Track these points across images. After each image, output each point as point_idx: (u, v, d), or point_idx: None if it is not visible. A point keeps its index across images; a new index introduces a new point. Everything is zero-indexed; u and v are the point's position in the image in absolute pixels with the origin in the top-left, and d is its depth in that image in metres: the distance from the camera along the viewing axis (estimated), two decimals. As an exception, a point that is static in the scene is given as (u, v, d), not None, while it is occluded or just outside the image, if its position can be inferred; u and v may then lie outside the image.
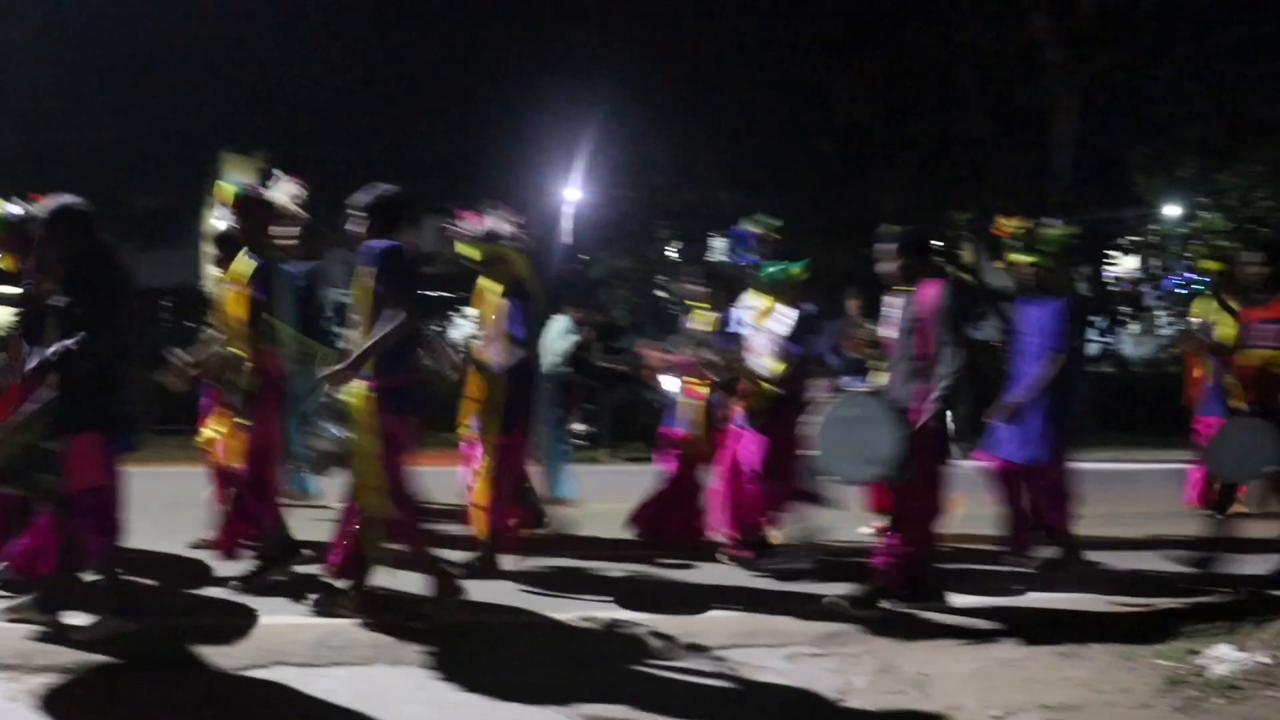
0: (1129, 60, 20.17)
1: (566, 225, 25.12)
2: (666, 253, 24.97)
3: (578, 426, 10.50)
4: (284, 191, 7.19)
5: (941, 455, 6.36)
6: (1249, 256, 7.54)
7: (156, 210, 23.21)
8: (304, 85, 23.03)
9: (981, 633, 6.20)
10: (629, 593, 6.99)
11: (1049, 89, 20.27)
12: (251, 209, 6.90)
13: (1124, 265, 28.23)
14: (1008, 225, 7.58)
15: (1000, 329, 27.02)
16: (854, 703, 5.10)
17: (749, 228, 7.88)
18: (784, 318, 7.52)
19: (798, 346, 7.46)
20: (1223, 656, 5.24)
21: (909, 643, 5.85)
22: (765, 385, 7.46)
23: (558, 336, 9.19)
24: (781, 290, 7.59)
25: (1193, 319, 9.28)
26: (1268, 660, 5.10)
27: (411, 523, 5.96)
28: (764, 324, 7.59)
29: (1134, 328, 27.99)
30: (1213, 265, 8.86)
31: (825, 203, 19.46)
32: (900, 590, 6.40)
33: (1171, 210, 28.18)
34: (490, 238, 7.31)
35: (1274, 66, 21.85)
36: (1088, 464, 8.25)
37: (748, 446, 7.55)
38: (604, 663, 5.56)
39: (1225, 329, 8.41)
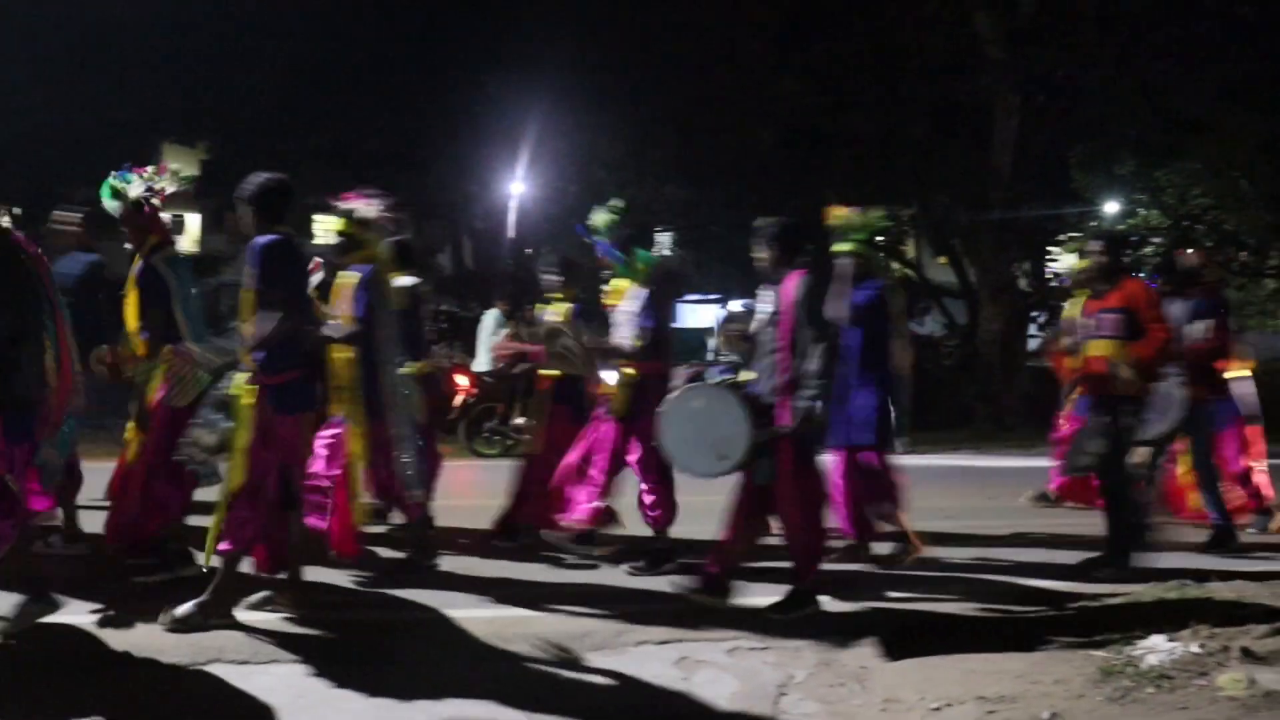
0: (1068, 59, 20.38)
1: (511, 219, 25.10)
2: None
3: (517, 420, 10.48)
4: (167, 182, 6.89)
5: (810, 451, 6.24)
6: (1092, 246, 7.70)
7: (98, 201, 22.90)
8: (248, 76, 22.83)
9: (919, 627, 6.27)
10: (551, 590, 6.91)
11: (990, 87, 20.44)
12: (129, 215, 6.77)
13: (1064, 261, 28.58)
14: (836, 214, 7.54)
15: (943, 324, 27.32)
16: (794, 695, 5.13)
17: (605, 216, 7.64)
18: (636, 296, 7.36)
19: (650, 320, 7.28)
20: (1155, 647, 5.31)
21: (849, 637, 5.87)
22: (625, 370, 7.32)
23: (489, 331, 9.16)
24: (634, 274, 7.47)
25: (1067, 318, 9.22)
26: (1198, 650, 5.18)
27: (250, 523, 5.76)
28: (620, 304, 7.47)
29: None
30: (1080, 264, 8.76)
31: (769, 197, 19.54)
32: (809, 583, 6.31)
33: (1111, 207, 28.56)
34: (354, 219, 7.17)
35: (1209, 66, 22.17)
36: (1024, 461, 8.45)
37: (606, 436, 7.40)
38: (543, 657, 5.55)
39: None
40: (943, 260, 28.21)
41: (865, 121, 20.31)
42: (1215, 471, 8.70)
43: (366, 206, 7.18)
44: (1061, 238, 25.85)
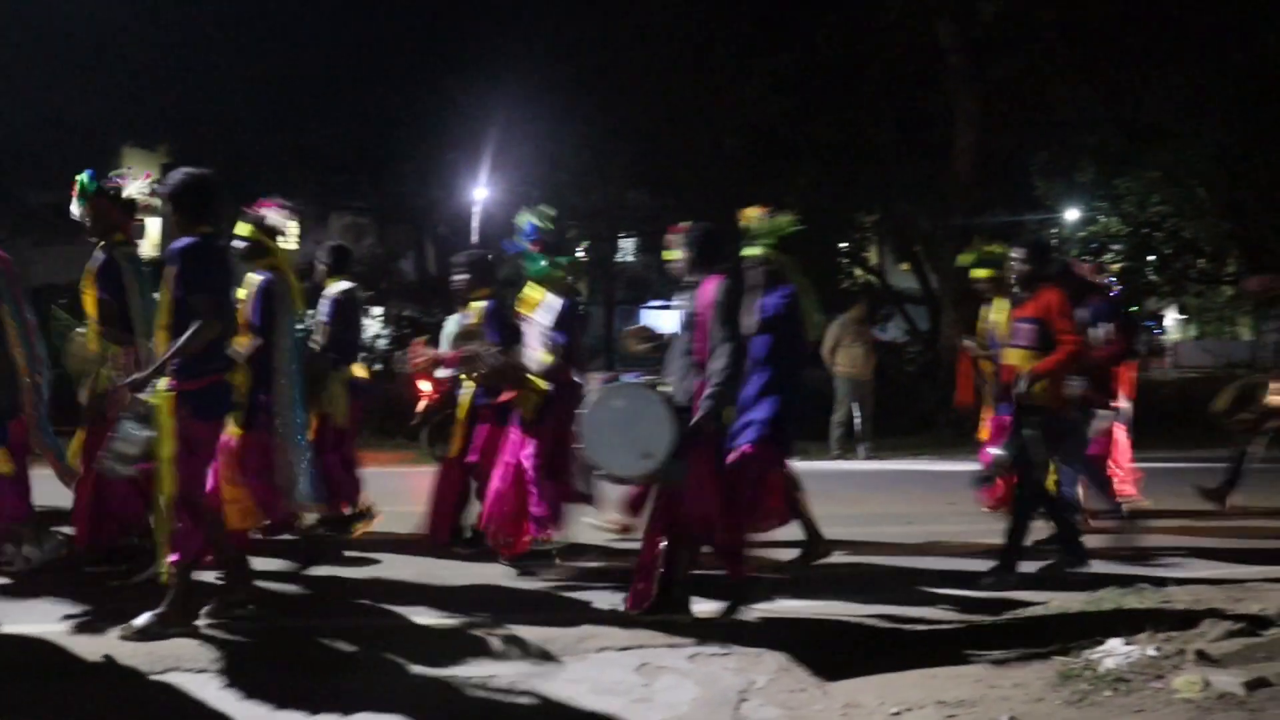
0: (1028, 67, 20.54)
1: (475, 224, 25.04)
2: (576, 253, 24.97)
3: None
4: (138, 188, 6.85)
5: (718, 456, 6.19)
6: (1015, 254, 7.60)
7: (54, 205, 22.71)
8: (210, 79, 22.69)
9: (881, 631, 6.30)
10: (512, 596, 6.93)
11: (952, 94, 20.57)
12: (98, 202, 6.64)
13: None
14: (747, 217, 7.47)
15: (905, 330, 27.46)
16: (755, 701, 5.14)
17: (529, 219, 7.56)
18: (550, 308, 7.28)
19: (563, 335, 7.19)
20: (1112, 651, 5.36)
21: (811, 642, 5.88)
22: (535, 380, 7.22)
23: (449, 336, 9.10)
24: (551, 283, 7.40)
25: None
26: (1154, 653, 5.23)
27: (194, 532, 5.73)
28: (533, 315, 7.36)
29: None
30: (983, 273, 8.64)
31: (732, 203, 19.48)
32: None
33: (1071, 214, 28.80)
34: (263, 226, 7.10)
35: (1168, 76, 22.41)
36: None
37: (520, 447, 7.33)
38: (504, 664, 5.54)
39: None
40: (905, 266, 28.38)
41: (828, 129, 20.39)
42: (1100, 465, 8.61)
43: (276, 214, 7.13)
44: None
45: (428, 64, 23.18)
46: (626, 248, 27.49)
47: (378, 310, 21.54)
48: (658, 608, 6.16)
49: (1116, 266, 28.91)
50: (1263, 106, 24.09)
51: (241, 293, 6.94)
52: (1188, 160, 25.78)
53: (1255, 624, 5.58)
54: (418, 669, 5.46)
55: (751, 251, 7.42)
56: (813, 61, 20.17)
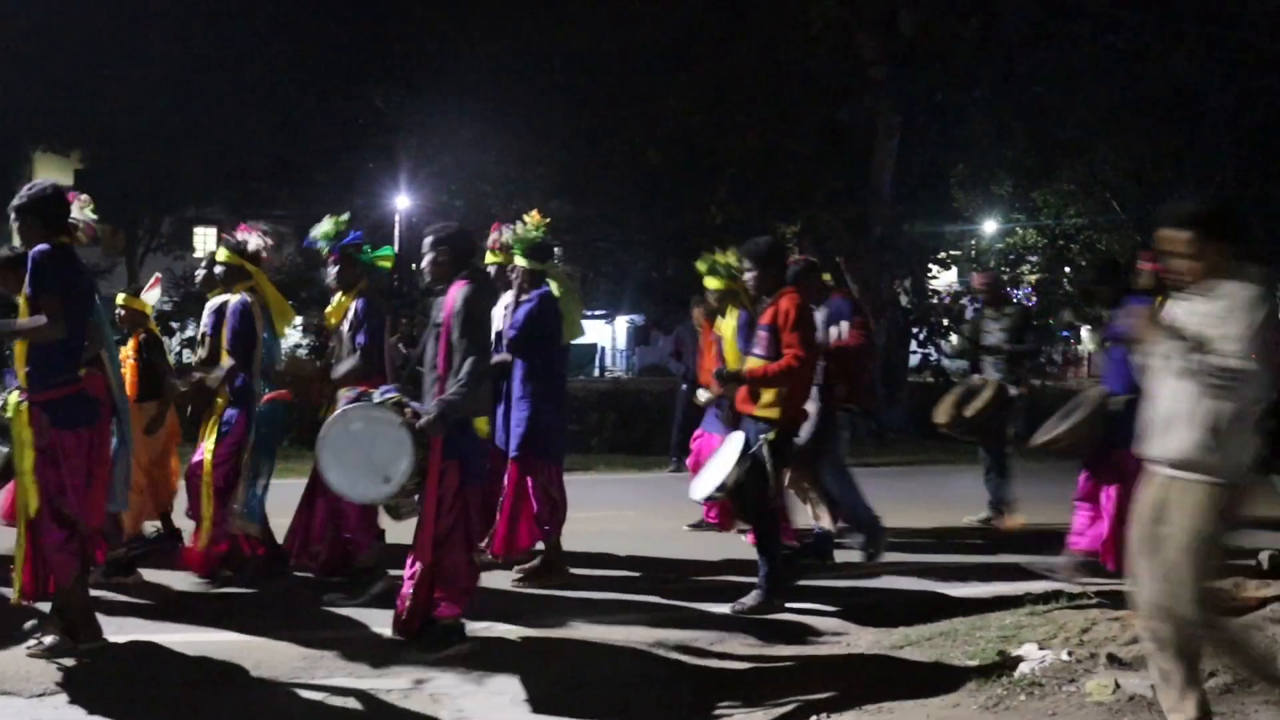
0: (947, 81, 20.81)
1: (397, 234, 24.88)
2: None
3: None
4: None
5: (468, 475, 5.86)
6: (745, 261, 7.28)
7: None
8: (125, 85, 22.31)
9: (802, 634, 6.35)
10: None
11: (872, 107, 20.78)
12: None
13: (944, 279, 29.14)
14: (531, 222, 7.51)
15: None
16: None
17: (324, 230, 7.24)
18: (351, 313, 7.09)
19: (363, 336, 6.93)
20: (1027, 655, 5.44)
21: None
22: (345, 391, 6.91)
23: None
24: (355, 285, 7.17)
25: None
26: (1067, 657, 5.32)
27: (64, 544, 5.59)
28: (342, 326, 7.14)
29: (953, 339, 28.95)
30: (714, 284, 8.40)
31: (655, 213, 19.63)
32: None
33: (990, 226, 29.23)
34: (240, 250, 7.30)
35: (1082, 91, 22.84)
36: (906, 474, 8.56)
37: None
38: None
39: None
40: (826, 277, 28.54)
41: (749, 140, 20.48)
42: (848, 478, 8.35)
43: (257, 238, 7.28)
44: (941, 255, 26.39)
45: (349, 71, 22.97)
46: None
47: (297, 319, 21.29)
48: (432, 642, 5.84)
49: (1033, 277, 29.53)
50: (1172, 123, 24.67)
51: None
52: (1101, 174, 26.37)
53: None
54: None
55: (490, 260, 7.50)
56: (734, 73, 20.26)
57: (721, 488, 6.86)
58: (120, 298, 8.18)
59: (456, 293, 5.86)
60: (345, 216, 7.26)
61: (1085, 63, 22.64)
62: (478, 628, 6.18)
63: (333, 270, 7.15)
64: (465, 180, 23.91)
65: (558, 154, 22.18)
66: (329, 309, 7.24)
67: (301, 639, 6.10)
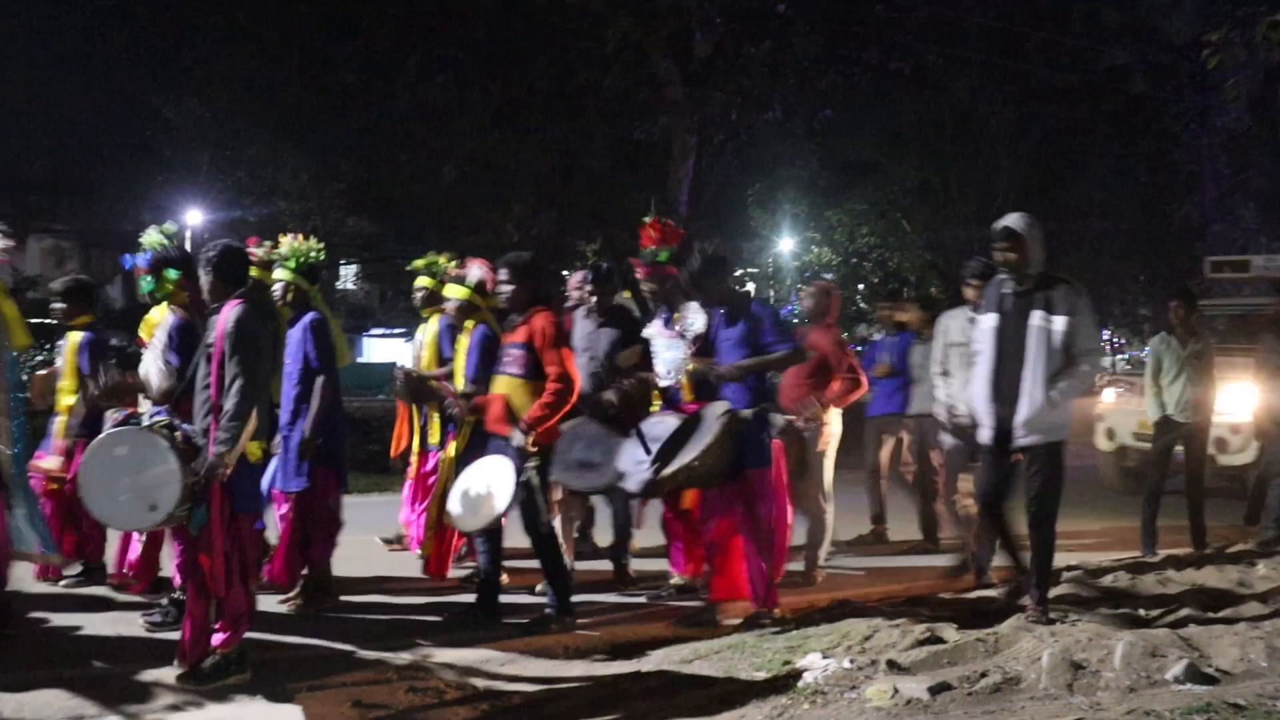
0: (740, 102, 21.24)
1: (188, 250, 24.12)
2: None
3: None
4: None
5: (240, 502, 5.61)
6: (500, 274, 6.98)
7: None
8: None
9: (593, 651, 6.35)
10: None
11: (668, 126, 21.06)
12: None
13: (419, 282, 29.61)
14: (283, 242, 7.41)
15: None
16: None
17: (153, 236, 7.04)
18: (163, 328, 6.77)
19: (175, 357, 6.56)
20: (811, 665, 5.53)
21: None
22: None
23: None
24: (167, 298, 6.88)
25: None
26: (849, 665, 5.42)
27: None
28: (152, 341, 6.86)
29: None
30: (426, 281, 8.38)
31: (452, 230, 19.49)
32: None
33: (786, 244, 29.94)
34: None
35: (871, 114, 23.64)
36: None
37: None
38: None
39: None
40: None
41: (546, 157, 20.53)
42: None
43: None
44: (739, 273, 26.90)
45: (136, 81, 22.20)
46: (347, 274, 27.01)
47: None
48: (206, 674, 5.60)
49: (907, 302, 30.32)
50: (957, 144, 25.74)
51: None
52: (891, 195, 27.33)
53: (939, 633, 5.87)
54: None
55: (276, 275, 7.28)
56: (531, 91, 20.30)
57: (499, 519, 6.71)
58: None
59: (229, 313, 5.65)
60: (170, 226, 7.00)
61: (874, 87, 23.44)
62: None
63: (146, 283, 6.82)
64: (260, 195, 23.33)
65: (354, 170, 21.84)
66: (143, 323, 6.99)
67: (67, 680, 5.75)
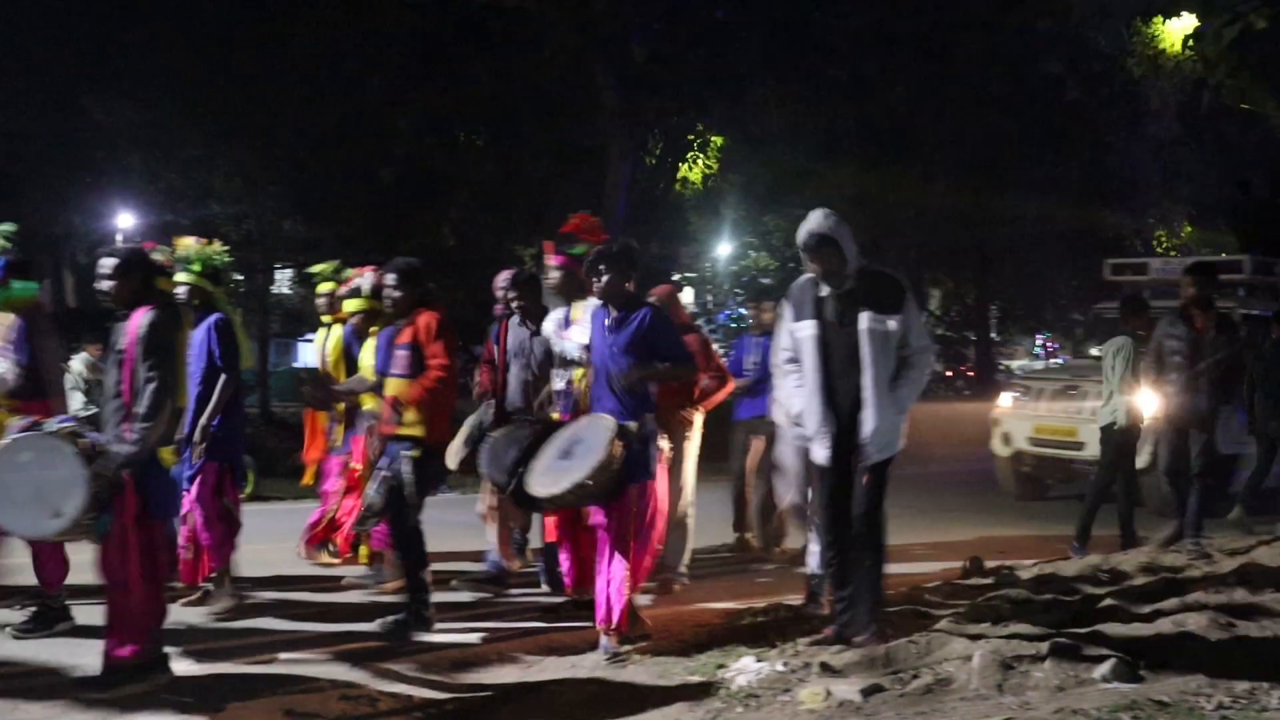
0: (677, 107, 21.30)
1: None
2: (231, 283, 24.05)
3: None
4: None
5: (152, 508, 5.55)
6: (388, 279, 6.98)
7: None
8: None
9: (522, 660, 6.33)
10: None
11: (605, 130, 21.08)
12: None
13: (683, 299, 29.82)
14: (180, 244, 7.41)
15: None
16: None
17: None
18: (12, 329, 6.72)
19: (24, 355, 6.61)
20: (744, 668, 5.54)
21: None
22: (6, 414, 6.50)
23: (77, 376, 8.50)
24: (13, 305, 6.84)
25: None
26: (782, 668, 5.44)
27: None
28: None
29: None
30: (326, 286, 8.45)
31: (389, 234, 19.38)
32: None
33: (724, 248, 30.05)
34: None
35: (808, 121, 23.82)
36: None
37: None
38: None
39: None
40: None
41: (483, 162, 20.49)
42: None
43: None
44: (676, 277, 26.99)
45: (63, 79, 21.71)
46: (282, 279, 26.74)
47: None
48: (111, 680, 5.50)
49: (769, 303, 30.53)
50: (893, 151, 26.00)
51: None
52: (829, 200, 27.45)
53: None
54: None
55: (181, 278, 7.26)
56: (468, 94, 20.23)
57: (369, 512, 6.77)
58: None
59: (141, 318, 5.57)
60: (6, 227, 6.83)
61: (811, 94, 23.60)
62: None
63: None
64: (193, 199, 22.99)
65: (289, 172, 21.60)
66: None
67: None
